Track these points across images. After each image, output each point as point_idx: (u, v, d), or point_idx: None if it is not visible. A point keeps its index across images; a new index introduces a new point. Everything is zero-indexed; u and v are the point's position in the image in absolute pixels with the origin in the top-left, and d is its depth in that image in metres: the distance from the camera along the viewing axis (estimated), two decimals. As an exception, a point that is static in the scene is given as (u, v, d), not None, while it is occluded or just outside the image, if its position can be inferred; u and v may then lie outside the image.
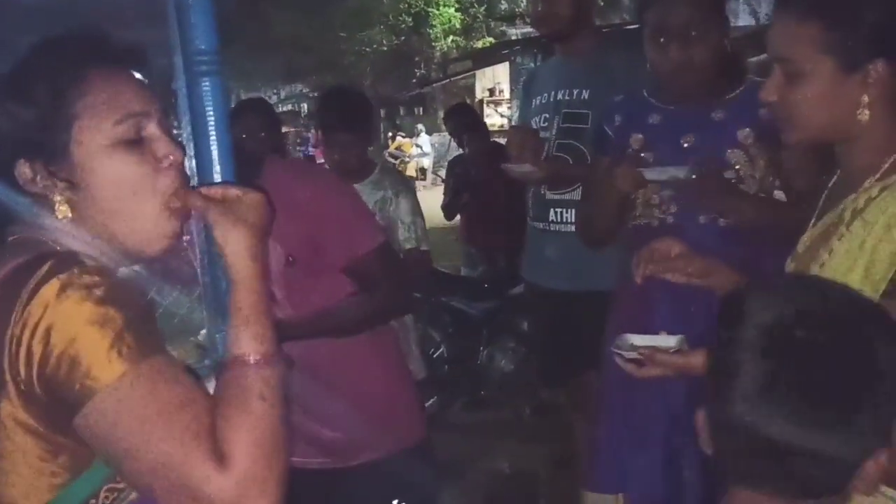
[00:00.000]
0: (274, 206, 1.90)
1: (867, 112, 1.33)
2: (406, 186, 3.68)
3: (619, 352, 1.57)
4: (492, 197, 5.23)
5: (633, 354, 1.54)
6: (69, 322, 0.95)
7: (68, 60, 1.08)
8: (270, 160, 2.11)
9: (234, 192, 1.17)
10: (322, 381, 1.98)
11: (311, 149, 15.96)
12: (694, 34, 2.10)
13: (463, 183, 5.66)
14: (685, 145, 2.22)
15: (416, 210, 3.50)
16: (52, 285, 0.96)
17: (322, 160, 3.81)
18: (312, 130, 15.41)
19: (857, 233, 1.31)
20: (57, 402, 0.96)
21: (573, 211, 2.84)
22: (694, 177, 2.07)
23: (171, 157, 1.10)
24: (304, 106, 21.70)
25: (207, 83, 1.43)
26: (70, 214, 1.07)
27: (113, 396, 0.95)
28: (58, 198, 1.06)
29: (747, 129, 2.14)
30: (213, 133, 1.44)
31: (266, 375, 1.04)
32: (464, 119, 5.98)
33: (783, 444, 0.91)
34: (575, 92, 2.85)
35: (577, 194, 2.83)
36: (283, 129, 5.89)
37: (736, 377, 0.94)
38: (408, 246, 3.43)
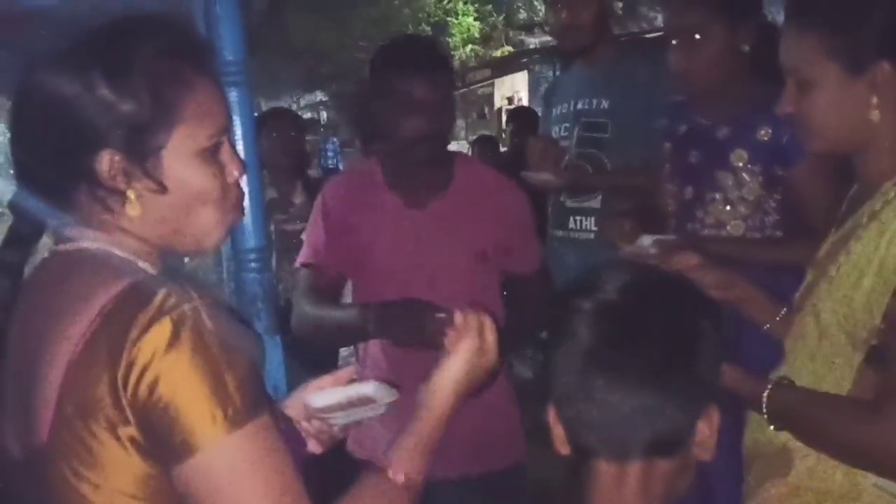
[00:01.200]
0: (474, 198, 2.03)
1: (877, 113, 1.34)
2: None
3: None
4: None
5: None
6: (178, 373, 0.94)
7: (180, 60, 1.06)
8: (461, 158, 2.21)
9: (487, 329, 1.23)
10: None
11: (335, 158, 14.72)
12: (697, 38, 2.10)
13: None
14: (692, 161, 2.24)
15: None
16: (164, 327, 0.95)
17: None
18: (333, 139, 15.22)
19: (873, 233, 1.32)
20: (156, 445, 0.96)
21: (592, 219, 2.86)
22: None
23: (236, 173, 1.12)
24: (325, 115, 21.77)
25: (235, 94, 1.46)
26: (139, 213, 1.05)
27: (214, 458, 0.95)
28: (133, 195, 1.04)
29: (741, 149, 2.13)
30: (241, 143, 1.47)
31: (406, 496, 1.13)
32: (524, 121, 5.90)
33: (625, 407, 0.98)
34: (594, 101, 2.87)
35: (596, 202, 2.85)
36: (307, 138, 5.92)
37: (570, 348, 1.01)
38: None
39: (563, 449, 1.07)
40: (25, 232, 1.09)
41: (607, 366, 1.00)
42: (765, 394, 1.38)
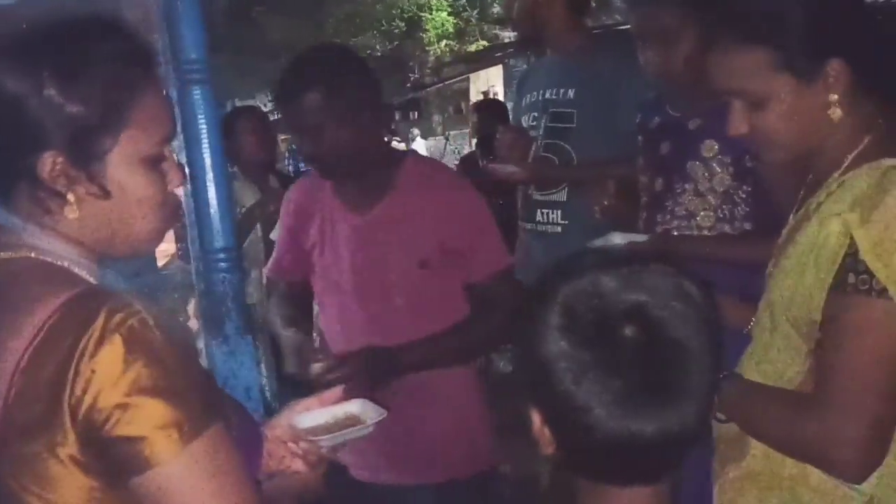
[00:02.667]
0: (416, 203, 1.97)
1: (838, 110, 1.33)
2: None
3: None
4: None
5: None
6: (132, 394, 0.94)
7: (130, 65, 1.05)
8: (412, 158, 2.11)
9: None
10: (414, 400, 1.97)
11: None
12: (669, 40, 2.11)
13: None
14: (663, 153, 2.26)
15: None
16: (115, 347, 0.94)
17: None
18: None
19: (814, 226, 1.32)
20: (103, 463, 0.96)
21: (559, 212, 2.86)
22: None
23: (177, 181, 1.11)
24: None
25: (198, 91, 1.45)
26: (77, 217, 1.04)
27: (171, 471, 0.96)
28: (73, 199, 1.03)
29: (711, 140, 2.14)
30: (206, 140, 1.46)
31: None
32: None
33: (611, 432, 0.89)
34: (561, 91, 2.85)
35: (563, 195, 2.84)
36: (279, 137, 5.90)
37: (560, 374, 0.91)
38: None
39: (549, 449, 1.00)
40: None
41: (609, 398, 0.89)
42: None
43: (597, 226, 2.36)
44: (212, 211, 1.49)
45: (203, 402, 0.99)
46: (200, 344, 1.63)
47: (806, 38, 1.33)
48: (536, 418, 0.98)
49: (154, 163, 1.07)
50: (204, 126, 1.45)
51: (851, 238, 1.25)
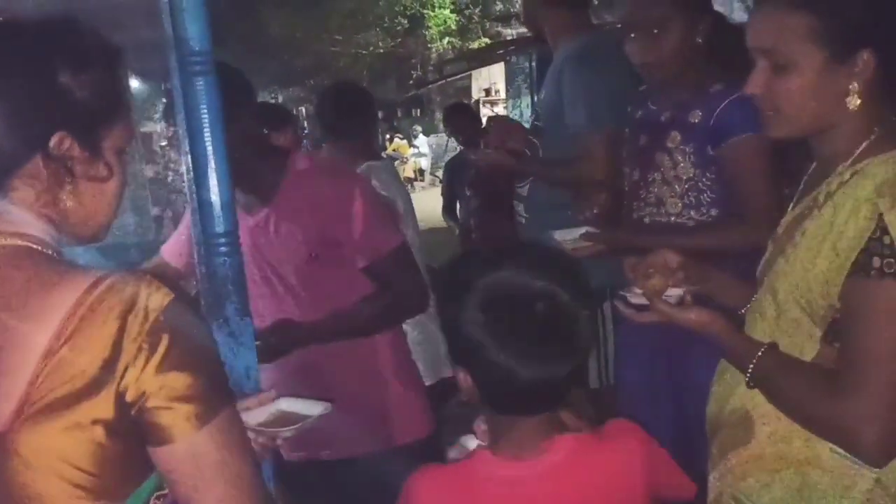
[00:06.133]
0: (297, 201, 2.05)
1: (857, 100, 1.35)
2: None
3: (625, 294, 1.59)
4: (491, 196, 5.27)
5: (639, 299, 1.56)
6: (164, 375, 1.02)
7: (122, 63, 1.15)
8: (296, 155, 2.19)
9: None
10: (333, 376, 2.12)
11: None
12: (656, 30, 2.19)
13: (459, 182, 5.70)
14: (641, 144, 2.35)
15: None
16: (159, 325, 1.02)
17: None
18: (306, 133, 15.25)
19: (827, 214, 1.35)
20: (130, 431, 1.03)
21: (522, 206, 3.00)
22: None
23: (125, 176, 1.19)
24: (303, 110, 21.70)
25: (201, 82, 1.49)
26: (73, 203, 1.12)
27: (189, 447, 1.04)
28: (69, 188, 1.11)
29: (676, 131, 2.24)
30: (208, 131, 1.50)
31: None
32: (464, 118, 6.03)
33: (523, 376, 1.24)
34: (544, 91, 2.96)
35: (525, 190, 2.98)
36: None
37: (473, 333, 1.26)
38: None
39: (473, 398, 1.32)
40: None
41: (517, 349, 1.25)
42: (755, 357, 1.40)
43: (554, 220, 2.52)
44: (213, 197, 1.54)
45: (223, 381, 1.09)
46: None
47: (851, 21, 1.34)
48: (462, 375, 1.31)
49: (122, 157, 1.16)
50: (206, 115, 1.50)
51: (876, 223, 1.27)
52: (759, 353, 1.39)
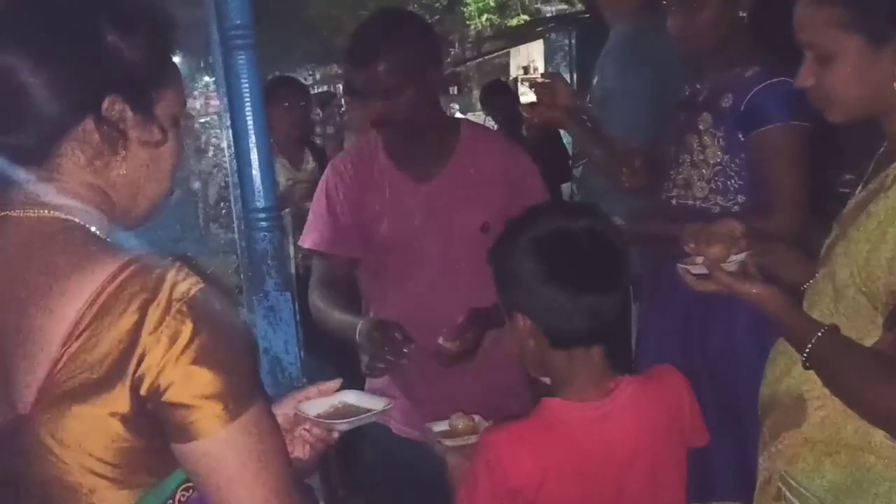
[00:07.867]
0: (472, 169, 2.05)
1: None
2: None
3: (685, 266, 1.56)
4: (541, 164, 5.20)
5: (701, 269, 1.53)
6: (189, 368, 0.96)
7: (173, 28, 1.10)
8: (467, 123, 2.17)
9: None
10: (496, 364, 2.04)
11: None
12: (694, 6, 2.14)
13: None
14: (679, 124, 2.31)
15: None
16: (182, 315, 0.96)
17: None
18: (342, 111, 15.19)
19: (894, 197, 1.33)
20: (152, 426, 0.99)
21: (574, 185, 2.99)
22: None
23: (181, 145, 1.15)
24: (339, 87, 21.73)
25: (243, 56, 1.50)
26: (124, 171, 1.07)
27: (215, 445, 0.98)
28: (123, 152, 1.07)
29: (707, 113, 2.19)
30: (249, 104, 1.51)
31: None
32: (501, 98, 5.95)
33: (581, 304, 1.35)
34: (596, 71, 2.96)
35: (577, 171, 2.98)
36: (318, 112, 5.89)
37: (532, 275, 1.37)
38: None
39: (533, 341, 1.40)
40: None
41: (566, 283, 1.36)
42: (814, 338, 1.37)
43: (603, 204, 2.45)
44: (254, 172, 1.55)
45: (252, 377, 1.03)
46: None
47: (880, 5, 1.34)
48: (522, 320, 1.39)
49: (176, 124, 1.12)
50: (247, 90, 1.50)
51: None
52: (819, 334, 1.36)
